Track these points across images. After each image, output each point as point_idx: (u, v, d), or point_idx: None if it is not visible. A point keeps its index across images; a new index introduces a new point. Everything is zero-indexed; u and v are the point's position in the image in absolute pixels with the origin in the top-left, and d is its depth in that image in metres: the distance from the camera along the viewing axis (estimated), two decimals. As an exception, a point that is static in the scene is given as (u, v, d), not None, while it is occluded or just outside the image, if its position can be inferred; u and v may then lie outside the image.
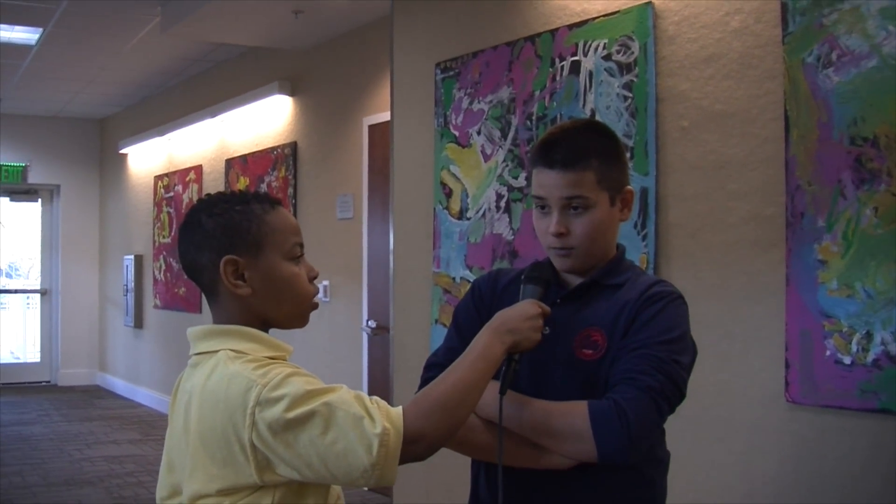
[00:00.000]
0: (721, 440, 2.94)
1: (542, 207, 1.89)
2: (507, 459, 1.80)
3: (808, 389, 2.66)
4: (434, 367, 1.92)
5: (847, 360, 2.57)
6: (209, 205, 1.69)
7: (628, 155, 3.20)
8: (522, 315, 1.75)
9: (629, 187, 1.93)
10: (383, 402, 1.55)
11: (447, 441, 1.62)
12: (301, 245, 1.71)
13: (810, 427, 2.69)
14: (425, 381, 1.91)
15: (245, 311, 1.66)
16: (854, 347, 2.55)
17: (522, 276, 1.88)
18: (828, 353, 2.61)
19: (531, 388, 1.84)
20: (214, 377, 1.56)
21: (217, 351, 1.61)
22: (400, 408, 1.55)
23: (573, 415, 1.74)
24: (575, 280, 1.92)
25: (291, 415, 1.47)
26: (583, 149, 1.85)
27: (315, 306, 1.73)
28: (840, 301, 2.59)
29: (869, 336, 2.52)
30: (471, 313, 1.98)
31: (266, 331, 1.68)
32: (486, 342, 1.70)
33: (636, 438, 1.70)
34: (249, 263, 1.64)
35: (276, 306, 1.67)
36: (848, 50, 2.60)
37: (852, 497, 2.59)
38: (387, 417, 1.51)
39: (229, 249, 1.63)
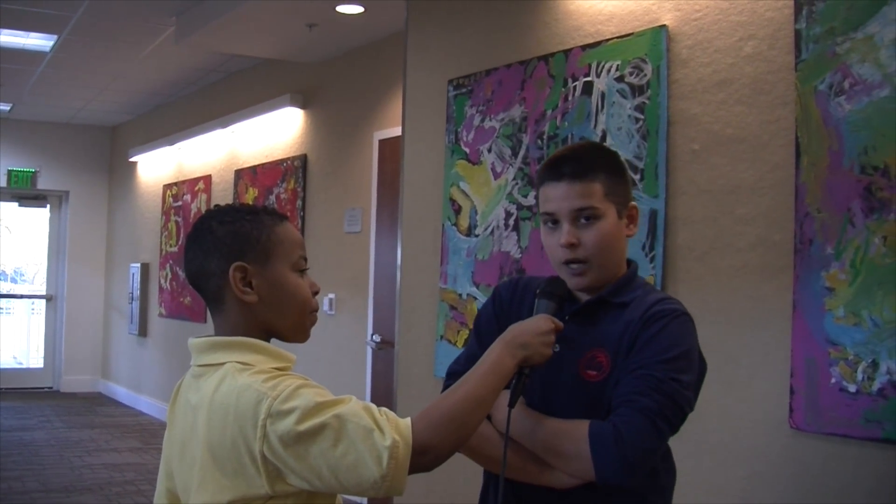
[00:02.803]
0: (723, 465, 2.93)
1: (552, 223, 1.91)
2: (513, 473, 1.82)
3: (813, 417, 2.66)
4: (454, 375, 1.93)
5: (852, 389, 2.56)
6: (220, 213, 1.72)
7: (638, 177, 3.22)
8: (535, 330, 1.76)
9: (633, 203, 1.96)
10: (392, 414, 1.57)
11: (454, 452, 1.63)
12: (306, 259, 1.73)
13: (813, 454, 2.68)
14: (446, 388, 1.92)
15: (250, 320, 1.67)
16: (860, 376, 2.55)
17: (537, 291, 1.89)
18: (833, 380, 2.61)
19: (541, 406, 1.86)
20: (223, 389, 1.57)
21: (223, 363, 1.62)
22: (408, 419, 1.56)
23: (576, 435, 1.76)
24: (585, 296, 1.93)
25: (302, 427, 1.48)
26: (590, 162, 1.90)
27: (314, 320, 1.75)
28: (846, 329, 2.59)
29: (875, 365, 2.52)
30: (490, 320, 1.99)
31: (268, 341, 1.69)
32: (498, 355, 1.71)
33: (633, 460, 1.71)
34: (257, 271, 1.66)
35: (280, 316, 1.69)
36: (860, 79, 2.60)
37: (855, 526, 2.59)
38: (396, 429, 1.52)
39: (239, 256, 1.66)
